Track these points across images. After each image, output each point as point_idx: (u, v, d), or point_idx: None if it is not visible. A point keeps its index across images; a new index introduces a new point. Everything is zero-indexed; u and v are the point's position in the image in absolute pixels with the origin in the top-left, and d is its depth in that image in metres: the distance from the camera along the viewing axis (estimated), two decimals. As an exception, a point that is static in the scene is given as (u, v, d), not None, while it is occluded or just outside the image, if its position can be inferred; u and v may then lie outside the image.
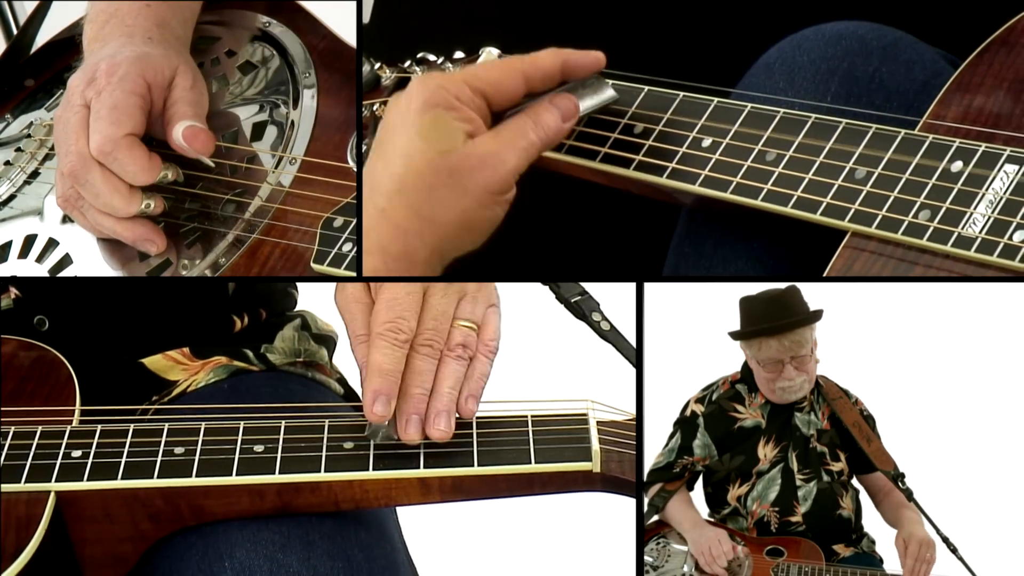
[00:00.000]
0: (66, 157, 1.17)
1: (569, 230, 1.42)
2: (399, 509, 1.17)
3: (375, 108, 1.27)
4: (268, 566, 1.03)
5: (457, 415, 1.03)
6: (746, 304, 1.33)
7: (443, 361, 1.02)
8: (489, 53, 1.24)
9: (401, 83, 1.29)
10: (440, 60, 1.27)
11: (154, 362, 1.19)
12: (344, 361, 1.29)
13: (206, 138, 1.18)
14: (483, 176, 1.05)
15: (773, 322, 1.31)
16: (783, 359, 1.31)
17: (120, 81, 1.16)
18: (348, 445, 1.05)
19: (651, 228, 1.26)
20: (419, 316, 1.02)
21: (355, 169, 1.21)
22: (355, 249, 1.16)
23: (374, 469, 1.03)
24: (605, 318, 1.11)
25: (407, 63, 1.28)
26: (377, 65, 1.28)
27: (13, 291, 1.17)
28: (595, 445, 1.04)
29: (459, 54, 1.27)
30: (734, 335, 1.33)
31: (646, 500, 1.32)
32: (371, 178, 1.06)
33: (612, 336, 1.10)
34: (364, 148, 1.26)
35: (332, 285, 1.09)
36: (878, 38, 1.18)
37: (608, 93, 1.13)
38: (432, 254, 1.06)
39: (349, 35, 1.30)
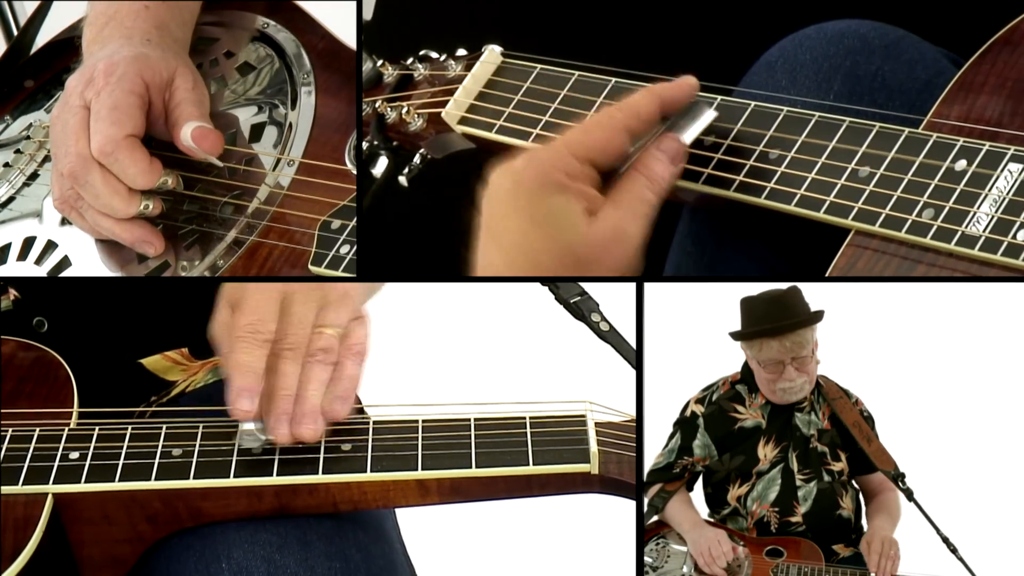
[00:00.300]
0: (65, 158, 1.17)
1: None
2: (398, 510, 1.18)
3: (377, 105, 1.27)
4: (265, 567, 1.03)
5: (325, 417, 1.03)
6: (747, 304, 1.32)
7: (305, 365, 1.02)
8: (492, 50, 1.24)
9: (403, 79, 1.29)
10: (443, 57, 1.27)
11: (153, 362, 1.19)
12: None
13: (215, 138, 1.18)
14: (613, 257, 1.02)
15: (774, 323, 1.30)
16: (784, 360, 1.31)
17: (119, 81, 1.17)
18: (346, 447, 1.05)
19: (652, 227, 1.26)
20: (280, 322, 1.03)
21: (354, 171, 1.21)
22: (352, 251, 1.16)
23: (372, 471, 1.03)
24: (604, 318, 1.11)
25: (409, 60, 1.28)
26: (379, 62, 1.28)
27: (12, 292, 1.17)
28: (593, 447, 1.04)
29: (461, 51, 1.27)
30: (735, 335, 1.33)
31: (646, 501, 1.32)
32: (491, 265, 1.03)
33: (611, 336, 1.10)
34: (365, 149, 1.26)
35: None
36: (880, 37, 1.18)
37: (708, 114, 1.10)
38: None
39: (349, 35, 1.30)
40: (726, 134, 1.11)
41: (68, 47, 1.35)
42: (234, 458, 1.04)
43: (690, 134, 1.09)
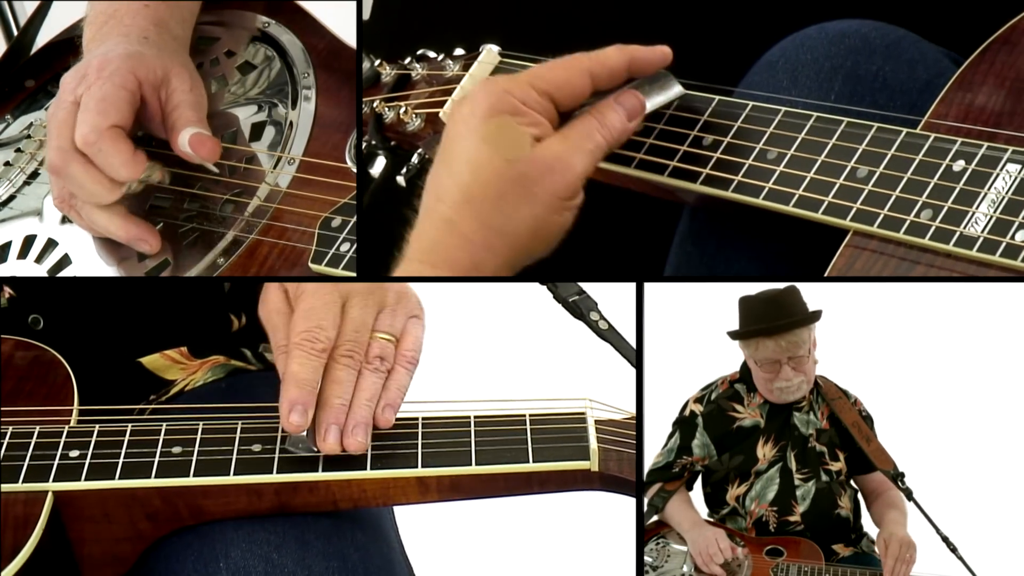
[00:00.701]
0: (48, 153, 1.17)
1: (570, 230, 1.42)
2: (397, 509, 1.18)
3: (375, 105, 1.27)
4: (263, 566, 1.03)
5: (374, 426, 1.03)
6: (745, 304, 1.32)
7: (360, 373, 1.02)
8: (489, 51, 1.24)
9: (401, 79, 1.29)
10: (440, 57, 1.27)
11: (152, 361, 1.19)
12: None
13: (212, 145, 1.18)
14: (551, 181, 1.04)
15: (771, 322, 1.30)
16: (780, 359, 1.31)
17: (110, 76, 1.16)
18: (346, 445, 1.05)
19: (652, 228, 1.26)
20: (338, 327, 1.02)
21: (354, 170, 1.21)
22: (352, 249, 1.16)
23: (372, 468, 1.03)
24: (603, 317, 1.11)
25: (407, 60, 1.28)
26: (377, 62, 1.28)
27: (7, 290, 1.17)
28: (593, 444, 1.04)
29: (459, 51, 1.27)
30: (732, 335, 1.33)
31: (645, 500, 1.32)
32: (436, 187, 1.05)
33: (610, 335, 1.10)
34: (363, 149, 1.26)
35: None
36: (881, 37, 1.18)
37: (675, 89, 1.11)
38: (502, 265, 1.05)
39: (349, 34, 1.30)
40: (725, 133, 1.12)
41: (68, 47, 1.35)
42: (234, 456, 1.04)
43: (653, 101, 1.10)
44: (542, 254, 1.06)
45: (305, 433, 1.02)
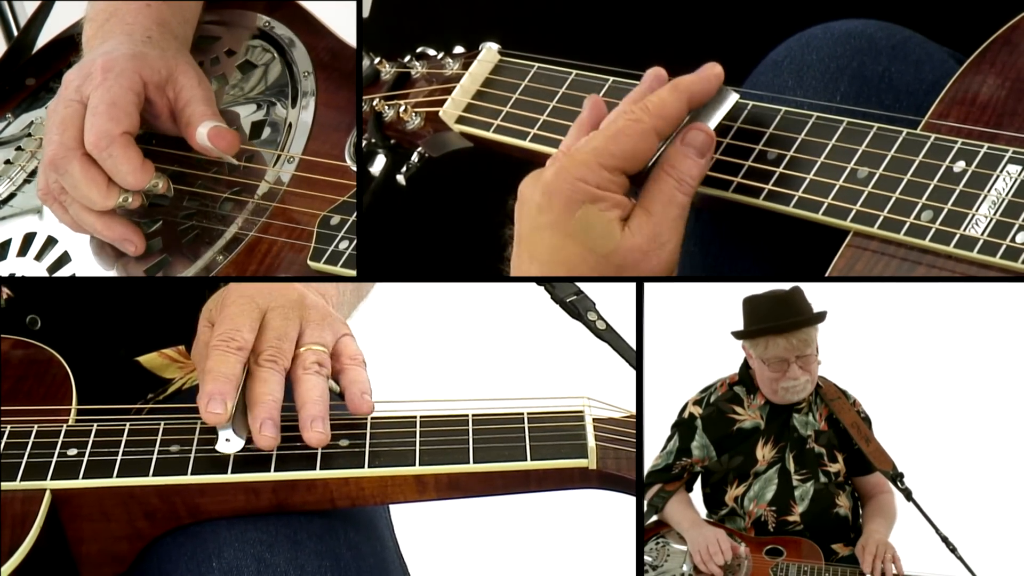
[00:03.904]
0: (48, 147, 1.17)
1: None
2: (393, 507, 1.17)
3: (374, 103, 1.27)
4: (256, 566, 1.03)
5: (357, 413, 1.04)
6: (750, 304, 1.32)
7: (302, 379, 1.03)
8: (489, 49, 1.24)
9: (401, 78, 1.29)
10: (440, 55, 1.27)
11: (150, 360, 1.19)
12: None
13: (232, 138, 1.18)
14: (650, 264, 1.02)
15: (780, 321, 1.30)
16: (789, 358, 1.31)
17: (117, 78, 1.17)
18: (344, 443, 1.05)
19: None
20: (258, 334, 1.04)
21: (354, 168, 1.21)
22: (351, 246, 1.16)
23: (370, 467, 1.03)
24: (600, 317, 1.11)
25: (407, 58, 1.28)
26: (377, 60, 1.28)
27: (5, 291, 1.17)
28: (591, 442, 1.04)
29: (459, 49, 1.27)
30: (739, 334, 1.33)
31: (645, 501, 1.31)
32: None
33: (608, 335, 1.10)
34: (364, 146, 1.26)
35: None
36: (887, 37, 1.17)
37: (731, 97, 1.07)
38: None
39: (349, 33, 1.30)
40: (724, 133, 1.11)
41: (70, 45, 1.35)
42: (232, 454, 1.03)
43: (714, 120, 1.06)
44: None
45: (230, 430, 1.02)
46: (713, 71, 1.06)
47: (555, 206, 1.01)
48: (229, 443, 1.02)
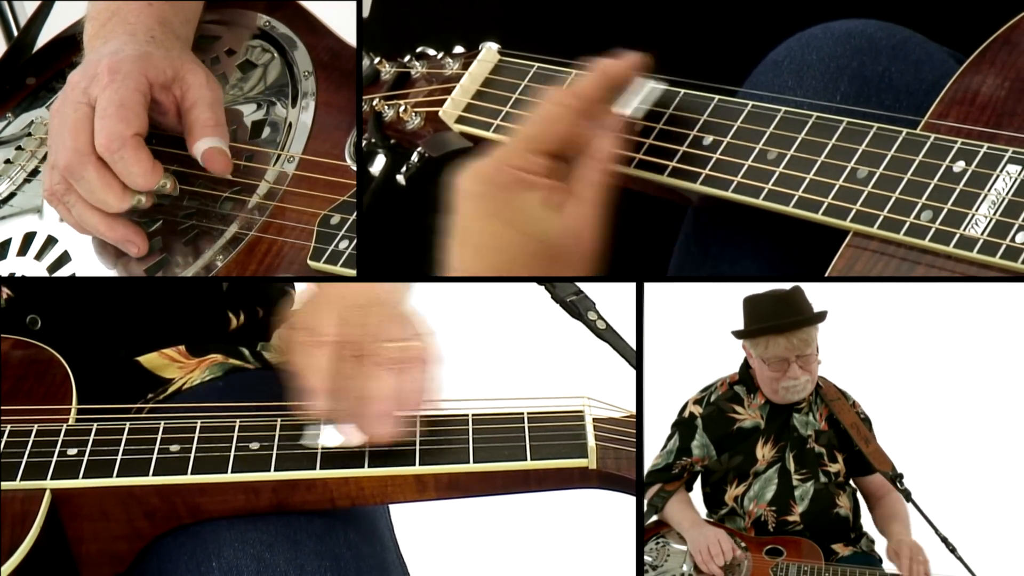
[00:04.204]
0: (62, 152, 1.17)
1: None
2: (392, 507, 1.17)
3: (374, 103, 1.27)
4: (255, 565, 1.03)
5: (418, 414, 1.04)
6: (751, 303, 1.33)
7: (377, 374, 1.02)
8: (489, 48, 1.24)
9: (400, 77, 1.29)
10: (440, 55, 1.27)
11: (150, 360, 1.19)
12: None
13: (226, 162, 1.19)
14: (583, 247, 1.05)
15: (780, 320, 1.31)
16: (789, 357, 1.31)
17: (124, 79, 1.17)
18: (344, 443, 1.05)
19: (652, 228, 1.26)
20: (340, 328, 1.03)
21: (354, 168, 1.22)
22: (351, 246, 1.16)
23: (370, 466, 1.03)
24: (601, 317, 1.11)
25: (407, 58, 1.28)
26: (377, 60, 1.28)
27: (5, 291, 1.17)
28: (591, 442, 1.04)
29: (459, 49, 1.27)
30: (740, 334, 1.33)
31: (645, 500, 1.31)
32: (464, 268, 1.05)
33: (608, 335, 1.10)
34: (364, 146, 1.26)
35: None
36: (887, 37, 1.18)
37: (649, 86, 1.13)
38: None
39: (349, 33, 1.30)
40: (725, 133, 1.12)
41: (70, 45, 1.35)
42: (231, 454, 1.04)
43: (633, 108, 1.11)
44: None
45: (322, 426, 1.02)
46: (634, 58, 1.10)
47: (492, 195, 1.04)
48: (319, 438, 1.02)
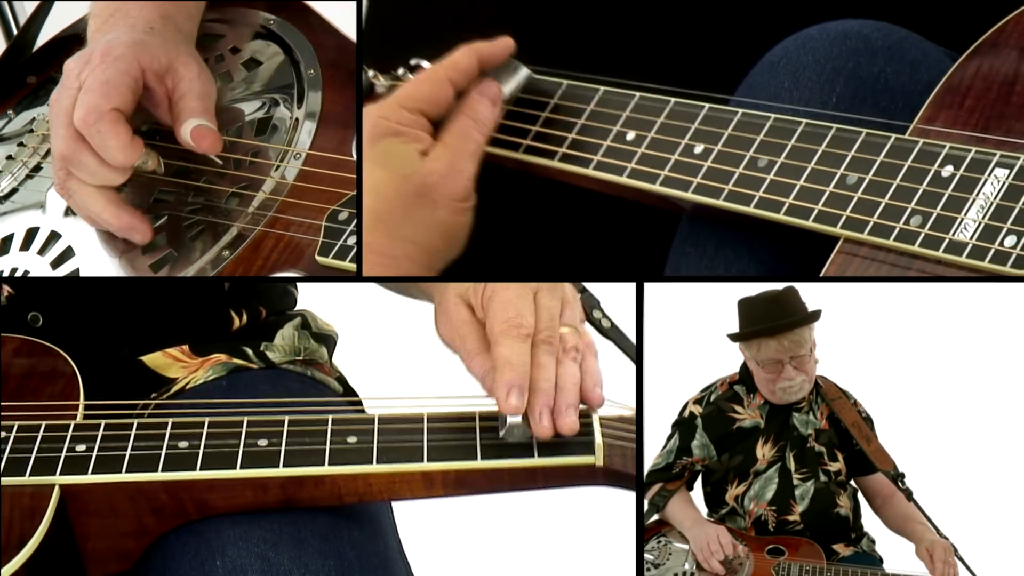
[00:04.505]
0: (56, 140, 1.16)
1: (570, 230, 1.42)
2: (396, 505, 1.17)
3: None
4: (259, 564, 1.03)
5: (584, 405, 1.04)
6: (744, 305, 1.33)
7: (561, 362, 1.03)
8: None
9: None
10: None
11: (153, 359, 1.18)
12: (343, 360, 1.30)
13: (214, 138, 1.18)
14: (447, 188, 1.12)
15: (772, 322, 1.31)
16: (782, 359, 1.31)
17: (115, 61, 1.16)
18: (352, 439, 1.05)
19: (652, 229, 1.26)
20: (535, 317, 1.04)
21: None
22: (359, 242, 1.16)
23: (378, 463, 1.03)
24: (605, 315, 1.10)
25: (400, 71, 1.29)
26: (371, 73, 1.28)
27: (7, 288, 1.16)
28: (598, 439, 1.03)
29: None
30: (733, 337, 1.33)
31: (646, 500, 1.31)
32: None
33: (613, 333, 1.09)
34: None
35: (333, 285, 1.10)
36: (883, 37, 1.18)
37: (523, 72, 1.21)
38: (422, 272, 1.11)
39: (349, 33, 1.30)
40: (716, 141, 1.12)
41: (71, 43, 1.33)
42: (240, 450, 1.04)
43: (508, 88, 1.19)
44: (456, 253, 1.13)
45: (519, 419, 1.02)
46: (505, 40, 1.20)
47: (368, 144, 1.12)
48: (516, 432, 1.02)
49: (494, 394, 1.02)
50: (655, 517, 1.32)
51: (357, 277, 1.13)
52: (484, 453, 1.03)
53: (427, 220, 1.11)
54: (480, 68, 1.18)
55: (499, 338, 1.02)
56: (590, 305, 1.11)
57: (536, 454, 1.03)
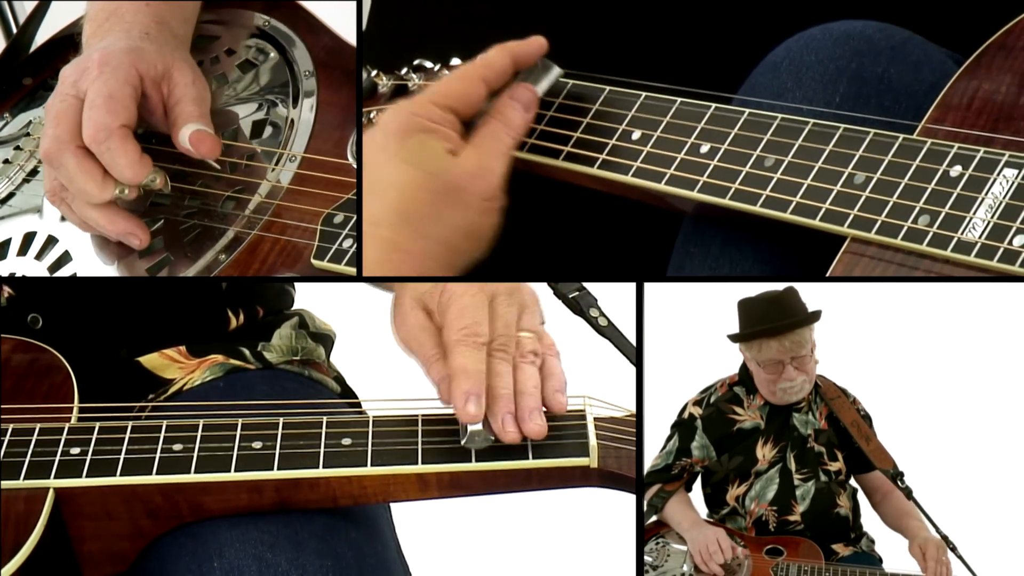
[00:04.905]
0: (42, 140, 1.16)
1: (571, 230, 1.43)
2: (393, 506, 1.17)
3: (372, 116, 1.27)
4: (257, 566, 1.03)
5: (546, 409, 1.04)
6: (745, 306, 1.33)
7: (519, 367, 1.04)
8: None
9: (398, 90, 1.29)
10: (437, 67, 1.28)
11: (150, 360, 1.19)
12: (341, 360, 1.29)
13: (212, 143, 1.18)
14: (476, 188, 1.10)
15: (772, 323, 1.31)
16: (783, 360, 1.31)
17: (114, 71, 1.16)
18: (346, 441, 1.05)
19: (652, 229, 1.26)
20: (490, 324, 1.04)
21: (355, 166, 1.22)
22: (355, 245, 1.16)
23: (372, 465, 1.03)
24: (603, 314, 1.11)
25: (404, 70, 1.28)
26: (374, 73, 1.28)
27: (6, 290, 1.17)
28: (592, 441, 1.04)
29: (456, 60, 1.27)
30: (733, 337, 1.33)
31: (645, 501, 1.31)
32: (368, 215, 1.09)
33: (610, 332, 1.10)
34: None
35: (330, 284, 1.09)
36: (886, 38, 1.18)
37: (555, 71, 1.19)
38: (445, 270, 1.09)
39: (348, 34, 1.30)
40: (722, 140, 1.12)
41: (67, 45, 1.34)
42: (235, 453, 1.04)
43: (540, 88, 1.18)
44: (480, 254, 1.12)
45: (480, 426, 1.02)
46: (537, 40, 1.19)
47: (391, 140, 1.10)
48: (479, 438, 1.02)
49: (452, 403, 1.02)
50: (653, 518, 1.32)
51: (357, 277, 1.13)
52: (479, 455, 1.03)
53: (455, 219, 1.09)
54: (514, 67, 1.17)
55: (455, 347, 1.03)
56: (587, 304, 1.11)
57: (531, 456, 1.03)
